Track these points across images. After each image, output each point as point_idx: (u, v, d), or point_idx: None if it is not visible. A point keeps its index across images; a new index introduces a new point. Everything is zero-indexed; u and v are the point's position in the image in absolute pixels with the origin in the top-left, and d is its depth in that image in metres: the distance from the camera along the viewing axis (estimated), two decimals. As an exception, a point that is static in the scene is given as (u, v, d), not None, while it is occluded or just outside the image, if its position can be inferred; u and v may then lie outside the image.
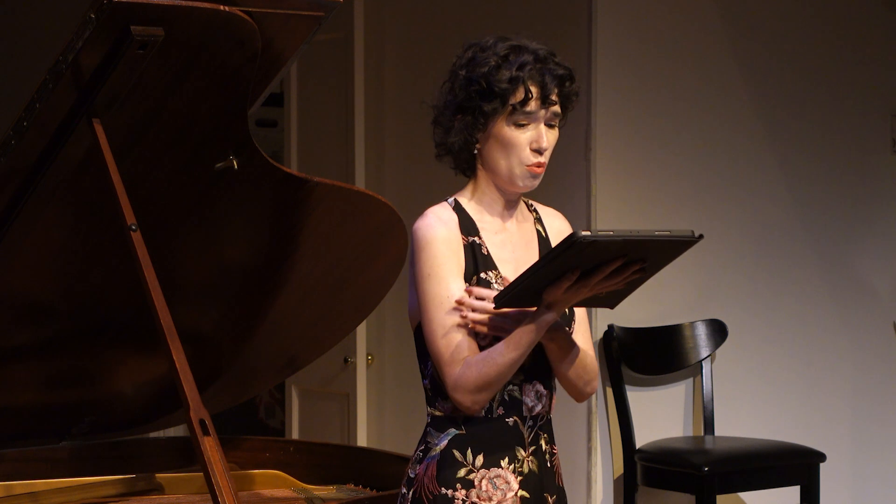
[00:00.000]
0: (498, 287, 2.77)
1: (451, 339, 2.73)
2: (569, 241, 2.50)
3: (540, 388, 2.83)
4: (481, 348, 2.74)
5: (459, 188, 2.91)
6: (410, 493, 2.81)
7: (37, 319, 3.32)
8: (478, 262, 2.78)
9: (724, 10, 5.30)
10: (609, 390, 5.08)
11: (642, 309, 5.16)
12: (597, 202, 5.05)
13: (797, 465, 4.99)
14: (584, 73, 5.07)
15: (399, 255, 3.53)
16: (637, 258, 2.59)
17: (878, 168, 5.63)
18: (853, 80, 5.58)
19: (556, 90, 2.76)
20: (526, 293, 2.65)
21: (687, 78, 5.24)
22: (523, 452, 2.80)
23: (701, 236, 2.60)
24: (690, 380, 5.29)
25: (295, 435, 5.78)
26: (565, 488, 2.93)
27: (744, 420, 5.33)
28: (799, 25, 5.47)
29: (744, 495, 5.29)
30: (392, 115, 5.67)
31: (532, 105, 2.74)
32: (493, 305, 2.72)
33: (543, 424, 2.84)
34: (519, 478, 2.79)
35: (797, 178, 5.47)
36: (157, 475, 3.55)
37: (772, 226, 5.43)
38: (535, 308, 2.69)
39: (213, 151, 3.12)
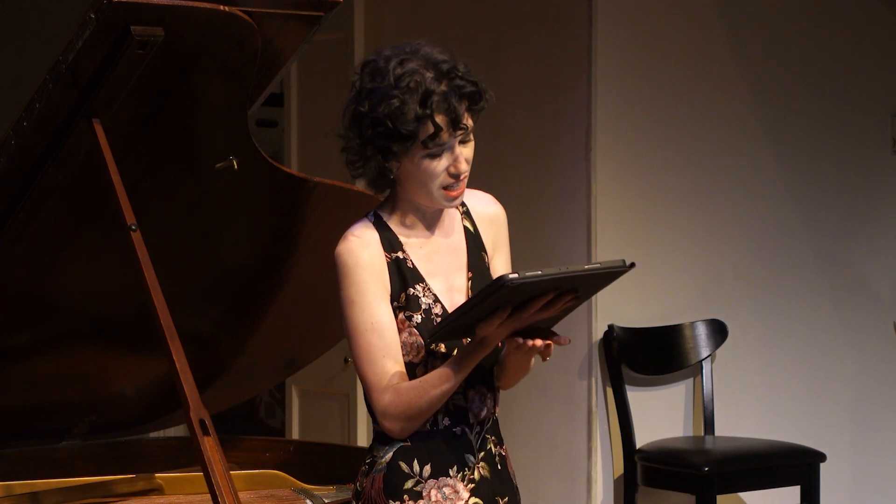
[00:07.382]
0: (426, 301, 2.73)
1: (377, 366, 2.68)
2: (497, 285, 2.49)
3: (484, 391, 2.78)
4: (409, 373, 2.71)
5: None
6: None
7: (37, 319, 3.31)
8: (405, 278, 2.73)
9: (724, 11, 5.30)
10: (609, 390, 5.08)
11: (642, 309, 5.16)
12: (597, 202, 5.05)
13: (797, 465, 4.99)
14: (584, 73, 5.07)
15: (399, 255, 3.53)
16: (569, 289, 2.58)
17: (878, 168, 5.63)
18: (853, 80, 5.57)
19: (465, 111, 2.66)
20: (458, 329, 2.64)
21: (687, 78, 5.24)
22: (473, 459, 2.75)
23: (632, 265, 2.57)
24: (690, 380, 5.29)
25: (295, 435, 5.78)
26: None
27: (744, 420, 5.33)
28: (798, 25, 5.47)
29: (744, 495, 5.29)
30: (392, 115, 5.66)
31: (443, 136, 2.65)
32: (427, 342, 2.69)
33: (490, 427, 2.79)
34: (470, 485, 2.74)
35: (797, 178, 5.47)
36: (157, 475, 3.55)
37: (772, 226, 5.42)
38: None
39: (213, 151, 3.12)
